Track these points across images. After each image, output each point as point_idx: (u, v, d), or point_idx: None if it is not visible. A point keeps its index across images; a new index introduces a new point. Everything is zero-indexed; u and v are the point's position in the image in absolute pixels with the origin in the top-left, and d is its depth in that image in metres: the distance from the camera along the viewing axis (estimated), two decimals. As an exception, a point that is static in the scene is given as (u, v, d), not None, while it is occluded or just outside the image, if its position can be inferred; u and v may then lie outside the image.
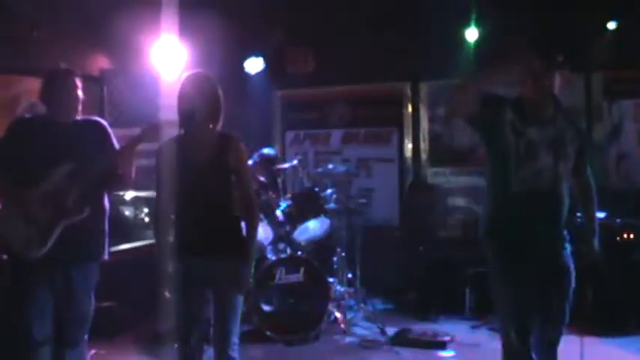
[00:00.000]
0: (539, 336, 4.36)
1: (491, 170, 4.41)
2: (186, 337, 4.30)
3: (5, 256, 4.59)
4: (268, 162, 7.22)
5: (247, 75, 8.41)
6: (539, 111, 4.28)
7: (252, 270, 4.39)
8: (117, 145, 4.69)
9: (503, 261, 4.33)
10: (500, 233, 4.36)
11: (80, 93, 4.58)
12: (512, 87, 4.38)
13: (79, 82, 4.59)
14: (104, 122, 4.78)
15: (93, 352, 5.62)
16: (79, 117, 4.63)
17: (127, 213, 7.59)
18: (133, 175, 4.71)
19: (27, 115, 4.90)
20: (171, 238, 4.21)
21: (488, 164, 4.42)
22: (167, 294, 4.31)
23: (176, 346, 4.27)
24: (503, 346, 4.50)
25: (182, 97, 4.29)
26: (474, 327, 6.91)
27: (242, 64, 8.32)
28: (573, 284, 4.36)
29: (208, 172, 4.23)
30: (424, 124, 8.60)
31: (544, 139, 4.22)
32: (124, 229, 7.42)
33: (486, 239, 4.44)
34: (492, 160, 4.38)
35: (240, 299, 4.32)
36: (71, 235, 4.45)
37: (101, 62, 6.59)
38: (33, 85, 5.89)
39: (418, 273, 7.73)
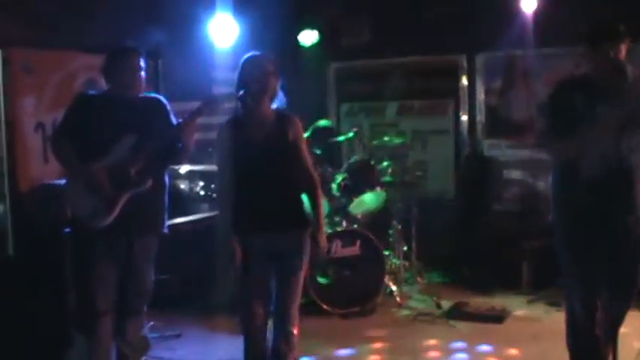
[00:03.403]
0: (605, 311, 4.31)
1: None
2: (250, 313, 4.35)
3: (69, 228, 4.71)
4: (324, 134, 7.19)
5: (302, 47, 8.37)
6: (606, 86, 4.16)
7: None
8: (175, 121, 4.75)
9: (575, 232, 4.29)
10: (572, 210, 4.30)
11: (143, 72, 4.64)
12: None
13: (142, 61, 4.65)
14: (163, 99, 4.85)
15: (150, 323, 5.69)
16: (139, 94, 4.70)
17: (182, 186, 7.64)
18: (193, 148, 4.79)
19: (90, 91, 4.97)
20: (233, 215, 4.24)
21: None
22: (232, 271, 4.36)
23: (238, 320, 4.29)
24: (568, 321, 4.48)
25: (243, 78, 4.35)
26: (530, 301, 6.84)
27: (296, 36, 8.29)
28: None
29: (268, 148, 4.32)
30: (480, 96, 8.48)
31: (613, 115, 4.11)
32: (180, 203, 7.49)
33: (556, 211, 4.40)
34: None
35: (302, 273, 4.40)
36: (134, 208, 4.56)
37: (156, 36, 6.60)
38: (89, 61, 5.98)
39: (474, 246, 7.67)
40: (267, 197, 4.30)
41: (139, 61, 4.63)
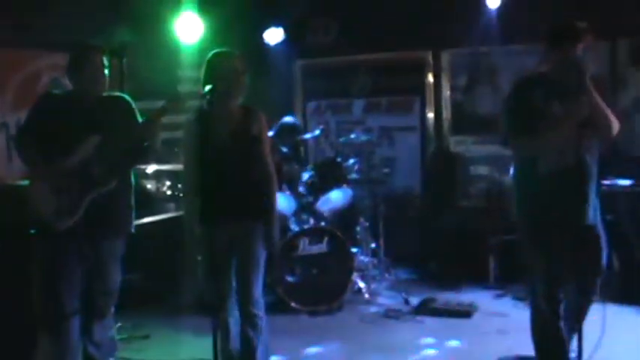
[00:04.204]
0: (569, 304, 4.39)
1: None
2: (220, 301, 4.53)
3: (34, 229, 4.65)
4: (290, 132, 7.18)
5: (267, 45, 8.35)
6: (565, 84, 4.22)
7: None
8: (140, 120, 4.72)
9: (536, 227, 4.36)
10: (532, 205, 4.39)
11: (107, 70, 4.60)
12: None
13: (106, 60, 4.60)
14: (128, 98, 4.81)
15: (118, 324, 5.65)
16: (103, 93, 4.66)
17: (149, 186, 7.61)
18: (158, 147, 4.77)
19: (54, 91, 4.92)
20: (197, 207, 4.36)
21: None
22: (198, 258, 4.49)
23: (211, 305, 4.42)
24: (532, 314, 4.54)
25: (209, 75, 4.45)
26: (498, 296, 6.90)
27: (262, 34, 8.26)
28: (605, 251, 4.38)
29: (232, 144, 4.48)
30: (446, 93, 8.53)
31: (569, 112, 4.18)
32: (147, 202, 7.44)
33: (518, 208, 4.47)
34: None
35: (262, 259, 4.61)
36: (99, 208, 4.52)
37: (121, 34, 6.55)
38: (54, 59, 5.91)
39: (441, 242, 7.70)
40: (228, 190, 4.48)
41: (102, 59, 4.59)
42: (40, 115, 4.57)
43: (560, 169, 4.23)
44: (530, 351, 4.69)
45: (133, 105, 4.77)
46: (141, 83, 6.91)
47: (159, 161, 7.34)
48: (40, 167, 4.52)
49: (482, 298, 6.79)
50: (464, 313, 6.36)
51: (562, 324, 4.41)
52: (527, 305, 4.80)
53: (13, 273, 5.18)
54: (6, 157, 5.79)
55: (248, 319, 4.58)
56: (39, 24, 5.86)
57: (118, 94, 4.84)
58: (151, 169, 7.33)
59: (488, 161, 8.12)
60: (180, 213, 6.84)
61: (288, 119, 7.32)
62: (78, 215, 4.48)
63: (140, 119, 4.72)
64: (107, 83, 4.64)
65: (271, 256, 4.80)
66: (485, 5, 7.60)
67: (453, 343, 5.68)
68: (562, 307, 4.39)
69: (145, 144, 4.66)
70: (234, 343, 4.68)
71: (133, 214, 4.80)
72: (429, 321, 6.26)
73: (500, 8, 7.56)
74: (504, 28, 7.54)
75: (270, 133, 6.65)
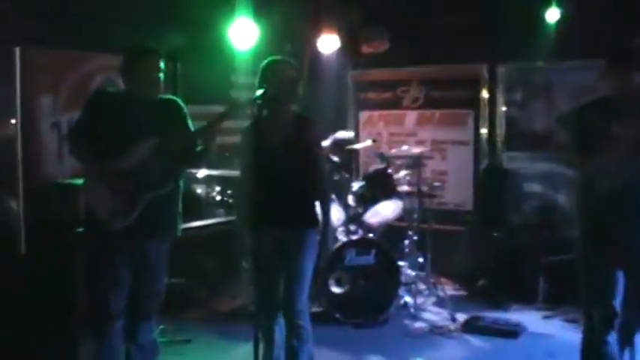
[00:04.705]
0: (621, 323, 4.28)
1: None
2: (264, 307, 4.54)
3: (83, 228, 4.66)
4: (343, 143, 7.12)
5: (321, 54, 8.31)
6: (624, 106, 4.17)
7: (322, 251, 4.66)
8: (191, 124, 4.71)
9: (594, 246, 4.29)
10: (590, 223, 4.33)
11: (162, 74, 4.59)
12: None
13: (162, 62, 4.59)
14: (180, 101, 4.81)
15: (161, 327, 5.64)
16: (157, 95, 4.65)
17: (198, 190, 7.61)
18: (213, 153, 4.78)
19: (108, 89, 4.93)
20: (250, 213, 4.35)
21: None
22: (244, 264, 4.54)
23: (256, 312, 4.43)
24: (584, 337, 4.41)
25: (264, 82, 4.45)
26: (546, 317, 6.74)
27: (316, 43, 8.22)
28: None
29: (285, 151, 4.48)
30: (500, 108, 8.39)
31: (628, 132, 4.10)
32: (196, 207, 7.45)
33: (577, 227, 4.40)
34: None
35: (310, 269, 4.57)
36: (150, 210, 4.51)
37: (175, 39, 6.56)
38: (107, 61, 5.93)
39: (490, 259, 7.56)
40: (279, 197, 4.48)
41: (158, 62, 4.58)
42: (94, 112, 4.58)
43: (619, 188, 4.14)
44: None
45: (185, 109, 4.77)
46: (194, 88, 6.94)
47: (210, 166, 7.36)
48: (94, 166, 4.53)
49: (530, 319, 6.63)
50: (511, 333, 6.23)
51: (613, 349, 4.29)
52: (577, 328, 4.69)
53: (59, 271, 5.21)
54: (57, 156, 5.82)
55: (293, 330, 4.56)
56: (93, 26, 5.89)
57: (170, 97, 4.83)
58: (201, 173, 7.34)
59: (541, 178, 7.96)
60: (229, 218, 6.84)
61: (342, 133, 7.27)
62: (133, 217, 4.48)
63: (191, 124, 4.72)
64: (162, 86, 4.63)
65: (318, 267, 4.74)
66: (543, 19, 7.45)
67: (499, 363, 5.56)
68: (615, 331, 4.27)
69: (199, 148, 4.65)
70: (278, 352, 4.65)
71: (181, 218, 4.79)
72: (475, 339, 6.16)
73: (558, 23, 7.40)
74: (561, 43, 7.38)
75: (324, 143, 6.62)
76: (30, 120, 5.66)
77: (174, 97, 4.86)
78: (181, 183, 4.77)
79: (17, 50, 5.51)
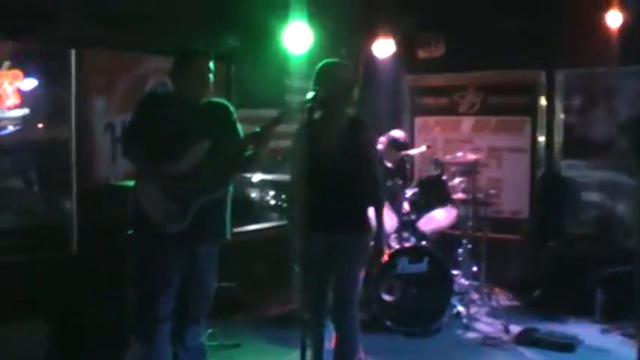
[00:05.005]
0: None
1: None
2: (313, 312, 4.52)
3: (133, 230, 4.65)
4: (396, 146, 7.02)
5: (376, 59, 8.23)
6: None
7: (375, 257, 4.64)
8: (240, 129, 4.69)
9: None
10: None
11: (212, 75, 4.57)
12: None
13: (211, 65, 4.58)
14: (229, 104, 4.79)
15: (209, 330, 5.63)
16: (206, 98, 4.63)
17: (252, 195, 7.62)
18: (264, 158, 4.74)
19: (158, 91, 4.94)
20: (301, 217, 4.25)
21: None
22: (295, 268, 4.46)
23: (305, 317, 4.38)
24: None
25: (319, 84, 4.40)
26: (604, 331, 6.53)
27: (371, 47, 8.15)
28: None
29: (338, 155, 4.44)
30: (559, 115, 8.21)
31: None
32: (250, 211, 7.46)
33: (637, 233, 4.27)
34: None
35: (361, 275, 4.53)
36: (201, 215, 4.49)
37: (229, 41, 6.57)
38: (161, 63, 5.95)
39: (547, 270, 7.39)
40: (332, 201, 4.43)
41: (207, 64, 4.56)
42: (145, 115, 4.58)
43: None
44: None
45: (235, 113, 4.75)
46: (247, 91, 6.94)
47: (264, 170, 7.36)
48: (147, 168, 4.53)
49: (586, 332, 6.44)
50: (567, 346, 6.06)
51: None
52: (636, 343, 4.54)
53: (110, 273, 5.23)
54: (110, 158, 5.86)
55: (342, 336, 4.51)
56: (147, 28, 5.91)
57: (219, 100, 4.80)
58: (255, 177, 7.36)
59: (600, 187, 7.77)
60: (283, 223, 6.81)
61: (395, 133, 7.17)
62: (187, 221, 4.47)
63: (240, 128, 4.69)
64: (211, 89, 4.61)
65: (369, 273, 4.68)
66: (604, 24, 7.25)
67: (553, 377, 5.41)
68: None
69: (250, 152, 4.62)
70: (326, 358, 4.60)
71: (230, 223, 4.76)
72: (529, 352, 6.01)
73: (619, 27, 7.20)
74: (623, 48, 7.18)
75: (378, 147, 6.55)
76: (84, 122, 5.71)
77: (225, 101, 4.84)
78: (231, 188, 4.75)
79: (72, 52, 5.56)
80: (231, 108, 4.77)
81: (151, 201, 4.48)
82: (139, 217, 4.54)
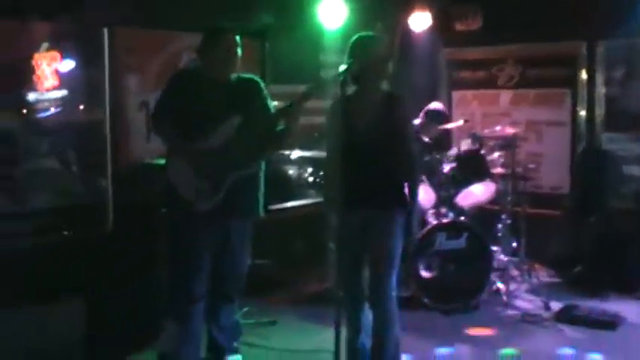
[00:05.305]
0: None
1: None
2: (349, 291, 4.46)
3: (167, 208, 4.65)
4: (434, 120, 6.91)
5: (412, 32, 8.12)
6: None
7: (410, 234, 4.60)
8: (271, 104, 4.65)
9: None
10: None
11: (239, 51, 4.54)
12: None
13: (238, 41, 4.54)
14: (259, 80, 4.75)
15: (245, 309, 5.63)
16: (235, 74, 4.60)
17: (290, 172, 7.61)
18: (297, 133, 4.70)
19: (186, 69, 4.93)
20: (336, 193, 4.11)
21: None
22: (331, 245, 4.44)
23: (340, 296, 4.20)
24: None
25: (354, 55, 4.32)
26: (646, 308, 6.42)
27: (407, 21, 8.04)
28: None
29: (373, 130, 4.37)
30: (600, 87, 8.04)
31: None
32: (287, 188, 7.45)
33: None
34: None
35: (398, 252, 4.45)
36: (233, 192, 4.47)
37: (264, 17, 6.52)
38: (194, 41, 5.91)
39: (588, 245, 7.28)
40: (367, 177, 4.37)
41: (234, 40, 4.53)
42: (175, 92, 4.57)
43: None
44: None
45: (264, 88, 4.71)
46: (282, 67, 6.90)
47: (301, 147, 7.33)
48: (178, 145, 4.52)
49: (629, 310, 6.33)
50: (609, 324, 5.95)
51: None
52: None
53: (145, 251, 5.24)
54: (145, 137, 5.86)
55: (379, 314, 4.47)
56: (180, 5, 5.88)
57: (249, 75, 4.77)
58: (294, 154, 7.34)
59: (643, 161, 7.62)
60: (320, 200, 6.78)
61: (434, 105, 7.07)
62: (219, 198, 4.46)
63: (271, 105, 4.66)
64: (238, 65, 4.57)
65: (407, 250, 4.61)
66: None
67: (595, 356, 5.30)
68: None
69: (280, 128, 4.58)
70: (364, 337, 4.56)
71: (263, 199, 4.73)
72: (570, 330, 5.92)
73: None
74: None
75: (415, 121, 6.48)
76: (118, 101, 5.71)
77: (255, 77, 4.80)
78: (263, 164, 4.71)
79: (105, 31, 5.54)
80: (262, 83, 4.74)
81: (181, 178, 4.47)
82: (170, 195, 4.53)
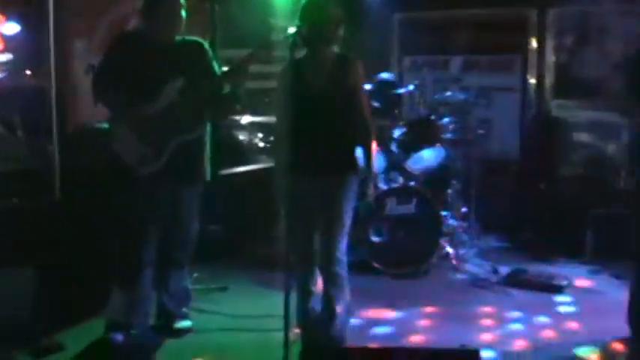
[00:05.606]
0: None
1: None
2: (300, 255, 4.45)
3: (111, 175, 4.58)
4: (385, 87, 6.90)
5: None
6: None
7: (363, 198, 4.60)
8: (216, 66, 4.59)
9: None
10: None
11: (183, 13, 4.46)
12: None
13: (183, 2, 4.46)
14: (204, 42, 4.68)
15: (195, 274, 5.59)
16: (179, 36, 4.53)
17: (241, 137, 7.55)
18: (243, 96, 4.64)
19: (128, 31, 4.85)
20: (288, 158, 4.08)
21: None
22: (282, 210, 4.32)
23: (290, 261, 4.23)
24: (634, 294, 4.26)
25: (304, 18, 4.27)
26: (593, 272, 6.52)
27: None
28: None
29: (326, 94, 4.32)
30: (550, 54, 8.09)
31: None
32: (238, 153, 7.40)
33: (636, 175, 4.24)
34: None
35: (349, 216, 4.43)
36: (178, 156, 4.42)
37: (214, -19, 6.43)
38: (140, 3, 5.81)
39: (536, 211, 7.36)
40: (319, 141, 4.33)
41: (178, 2, 4.44)
42: (117, 55, 4.49)
43: None
44: (625, 332, 4.47)
45: (210, 51, 4.65)
46: (233, 30, 6.80)
47: (252, 112, 7.27)
48: (120, 110, 4.44)
49: (576, 274, 6.43)
50: (556, 288, 6.02)
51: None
52: (625, 283, 4.52)
53: (93, 218, 5.16)
54: (92, 101, 5.73)
55: (329, 278, 4.46)
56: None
57: (193, 38, 4.69)
58: (244, 120, 7.27)
59: (591, 128, 7.69)
60: (271, 165, 6.74)
61: (385, 75, 7.05)
62: (162, 162, 4.40)
63: (217, 66, 4.59)
64: (182, 26, 4.50)
65: (357, 215, 4.60)
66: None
67: (542, 319, 5.35)
68: None
69: (228, 91, 4.53)
70: (314, 301, 4.56)
71: (209, 162, 4.69)
72: (518, 293, 5.97)
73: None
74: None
75: (366, 87, 6.45)
76: (64, 64, 5.57)
77: (199, 39, 4.72)
78: (209, 128, 4.66)
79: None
80: (206, 45, 4.68)
81: (124, 144, 4.40)
82: (114, 162, 4.45)
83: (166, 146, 4.41)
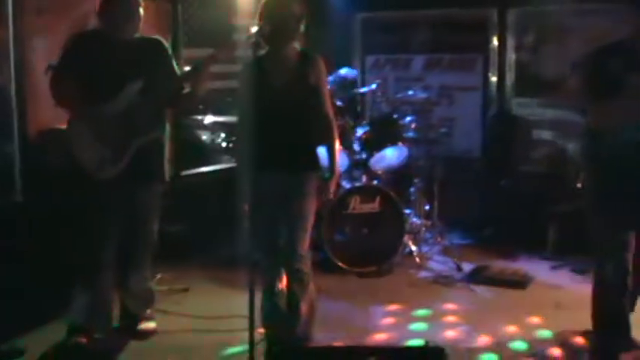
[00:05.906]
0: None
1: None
2: (264, 254, 4.45)
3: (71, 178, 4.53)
4: (346, 84, 6.91)
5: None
6: None
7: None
8: (176, 66, 4.56)
9: (607, 197, 4.22)
10: (604, 174, 4.25)
11: (141, 11, 4.43)
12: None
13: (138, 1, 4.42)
14: (164, 41, 4.65)
15: (158, 276, 5.55)
16: (137, 35, 4.49)
17: (203, 137, 7.52)
18: (203, 96, 4.62)
19: (85, 31, 4.81)
20: (250, 156, 4.06)
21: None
22: (245, 208, 4.28)
23: (254, 261, 4.14)
24: (597, 288, 4.37)
25: (265, 16, 4.25)
26: (555, 267, 6.59)
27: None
28: None
29: (288, 91, 4.30)
30: (510, 53, 8.16)
31: None
32: (200, 153, 7.36)
33: (589, 177, 4.37)
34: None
35: (311, 214, 4.43)
36: (139, 157, 4.38)
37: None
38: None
39: (498, 208, 7.43)
40: (280, 139, 4.30)
41: (134, 1, 4.40)
42: (75, 55, 4.44)
43: (636, 140, 4.04)
44: (587, 326, 4.53)
45: (169, 49, 4.62)
46: (195, 30, 6.77)
47: (215, 112, 7.24)
48: (79, 111, 4.39)
49: (538, 269, 6.50)
50: (518, 283, 6.09)
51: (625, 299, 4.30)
52: (587, 279, 4.59)
53: (55, 220, 5.11)
54: (53, 101, 5.67)
55: (294, 276, 4.45)
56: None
57: (152, 36, 4.66)
58: (207, 120, 7.24)
59: (552, 126, 7.75)
60: (234, 165, 6.72)
61: (345, 71, 7.05)
62: (122, 165, 4.35)
63: (175, 64, 4.57)
64: (139, 24, 4.46)
65: (320, 214, 4.61)
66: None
67: (505, 315, 5.37)
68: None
69: (186, 91, 4.50)
70: (279, 300, 4.55)
71: (167, 163, 4.66)
72: (481, 290, 6.02)
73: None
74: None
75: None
76: (24, 63, 5.49)
77: (158, 37, 4.69)
78: (168, 128, 4.64)
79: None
80: (165, 44, 4.64)
81: (83, 146, 4.35)
82: (72, 164, 4.40)
83: (126, 148, 4.37)
